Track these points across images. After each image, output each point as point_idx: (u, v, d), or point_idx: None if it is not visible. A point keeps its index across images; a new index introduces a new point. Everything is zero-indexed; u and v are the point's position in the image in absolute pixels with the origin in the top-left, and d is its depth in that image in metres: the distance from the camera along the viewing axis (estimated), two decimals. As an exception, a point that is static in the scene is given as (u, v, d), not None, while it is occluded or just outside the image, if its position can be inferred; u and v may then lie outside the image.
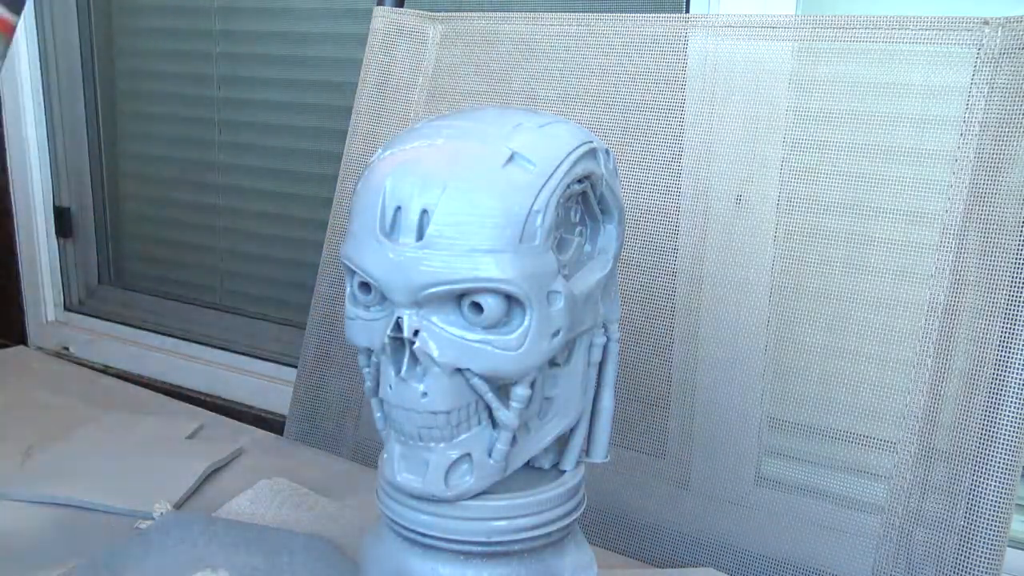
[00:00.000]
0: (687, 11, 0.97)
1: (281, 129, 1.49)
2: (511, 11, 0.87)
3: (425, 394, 0.44)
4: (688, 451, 0.75)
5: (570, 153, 0.45)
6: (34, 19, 1.62)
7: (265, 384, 1.48)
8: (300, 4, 1.43)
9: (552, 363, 0.48)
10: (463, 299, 0.44)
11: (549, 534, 0.48)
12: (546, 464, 0.51)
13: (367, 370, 0.49)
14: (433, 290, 0.43)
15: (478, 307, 0.44)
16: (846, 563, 0.68)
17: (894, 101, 0.68)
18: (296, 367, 0.95)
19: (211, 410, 0.84)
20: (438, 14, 0.90)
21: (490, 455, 0.46)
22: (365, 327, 0.46)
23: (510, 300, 0.44)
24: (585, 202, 0.48)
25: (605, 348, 0.51)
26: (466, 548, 0.47)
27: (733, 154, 0.74)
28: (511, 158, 0.44)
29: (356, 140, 0.92)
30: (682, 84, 0.76)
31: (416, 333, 0.44)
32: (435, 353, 0.44)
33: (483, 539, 0.47)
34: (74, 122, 1.68)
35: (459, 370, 0.44)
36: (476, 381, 0.45)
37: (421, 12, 0.91)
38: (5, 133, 1.64)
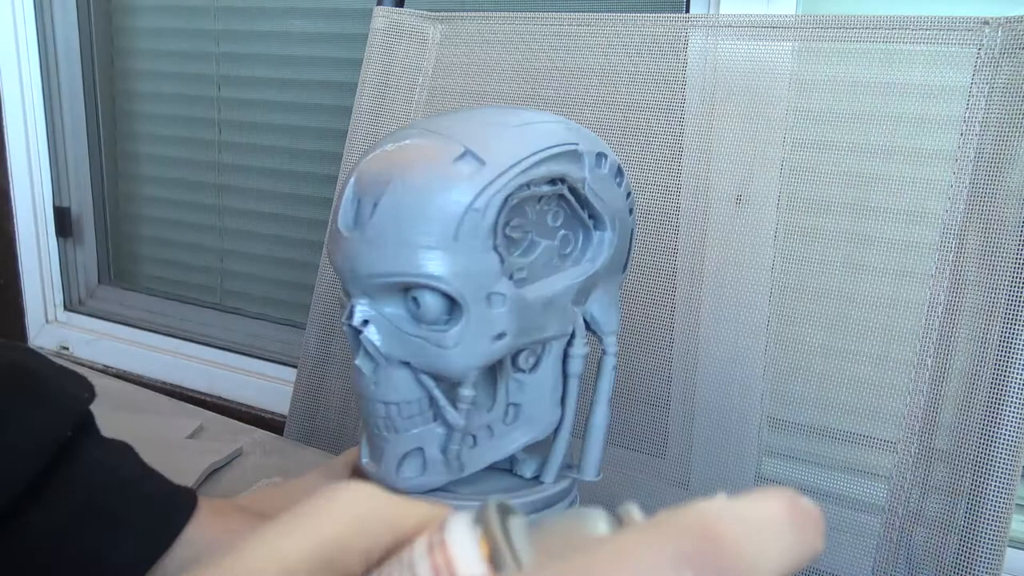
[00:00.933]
0: (687, 11, 0.97)
1: (281, 129, 1.49)
2: (511, 11, 0.87)
3: (376, 384, 0.45)
4: (688, 451, 0.75)
5: (535, 153, 0.44)
6: (34, 19, 1.62)
7: (265, 384, 1.48)
8: (300, 4, 1.43)
9: (517, 369, 0.47)
10: (408, 293, 0.44)
11: None
12: (527, 473, 0.50)
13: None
14: (373, 281, 0.44)
15: (417, 302, 0.44)
16: (846, 563, 0.68)
17: (894, 101, 0.68)
18: (296, 367, 0.95)
19: (211, 410, 0.84)
20: (438, 14, 0.90)
21: (443, 452, 0.47)
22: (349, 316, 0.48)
23: (447, 297, 0.44)
24: (569, 206, 0.47)
25: (601, 362, 0.50)
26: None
27: (733, 154, 0.74)
28: (462, 155, 0.43)
29: (356, 140, 0.92)
30: (682, 84, 0.76)
31: (366, 323, 0.45)
32: (378, 343, 0.45)
33: None
34: (74, 122, 1.68)
35: (406, 364, 0.45)
36: (424, 377, 0.45)
37: (421, 12, 0.91)
38: (5, 133, 1.64)
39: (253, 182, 1.54)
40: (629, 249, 0.51)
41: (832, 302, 0.70)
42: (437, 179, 0.43)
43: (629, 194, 0.49)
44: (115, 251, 1.76)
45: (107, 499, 0.44)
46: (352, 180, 0.45)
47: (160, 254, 1.70)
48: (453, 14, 0.89)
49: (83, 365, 1.55)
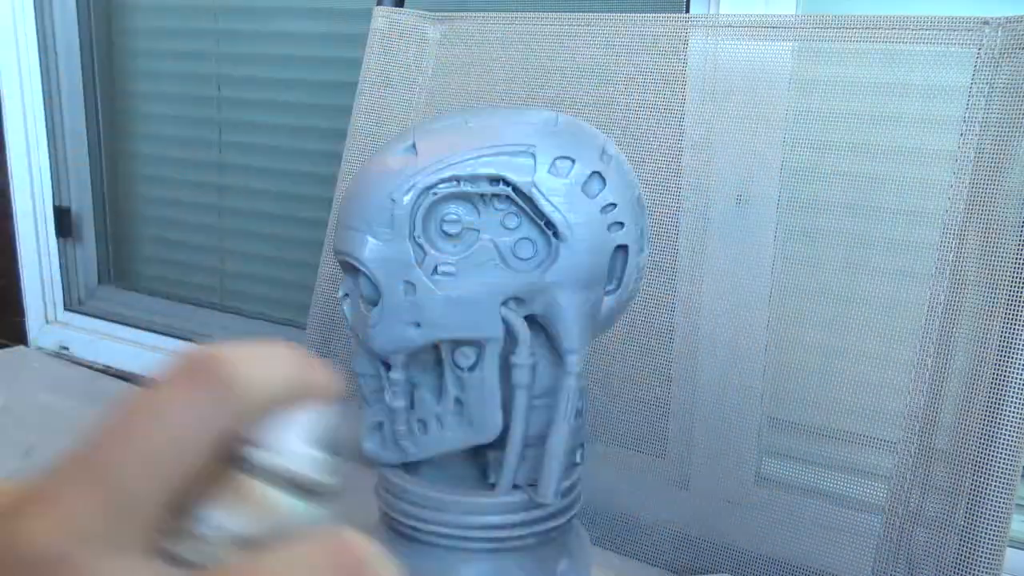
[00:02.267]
0: (687, 11, 0.97)
1: (281, 129, 1.49)
2: (511, 11, 0.86)
3: (351, 353, 0.49)
4: (688, 451, 0.75)
5: (475, 150, 0.44)
6: (34, 19, 1.62)
7: (265, 384, 1.48)
8: (300, 4, 1.43)
9: (455, 364, 0.47)
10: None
11: (543, 532, 0.48)
12: (492, 478, 0.50)
13: None
14: (335, 257, 0.48)
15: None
16: (846, 563, 0.68)
17: (894, 101, 0.68)
18: (296, 367, 0.95)
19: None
20: (438, 14, 0.90)
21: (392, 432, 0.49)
22: None
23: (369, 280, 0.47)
24: (523, 210, 0.46)
25: (564, 383, 0.46)
26: (461, 544, 0.47)
27: (733, 154, 0.74)
28: (408, 147, 0.46)
29: (356, 140, 0.92)
30: (682, 84, 0.76)
31: (346, 296, 0.48)
32: (348, 316, 0.49)
33: (476, 535, 0.47)
34: (74, 122, 1.68)
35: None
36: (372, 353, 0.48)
37: (421, 12, 0.91)
38: (5, 133, 1.64)
39: (253, 182, 1.54)
40: (620, 270, 0.48)
41: (832, 302, 0.70)
42: (377, 167, 0.46)
43: (607, 207, 0.46)
44: (115, 251, 1.76)
45: None
46: None
47: (160, 254, 1.70)
48: (453, 14, 0.89)
49: (83, 365, 1.55)
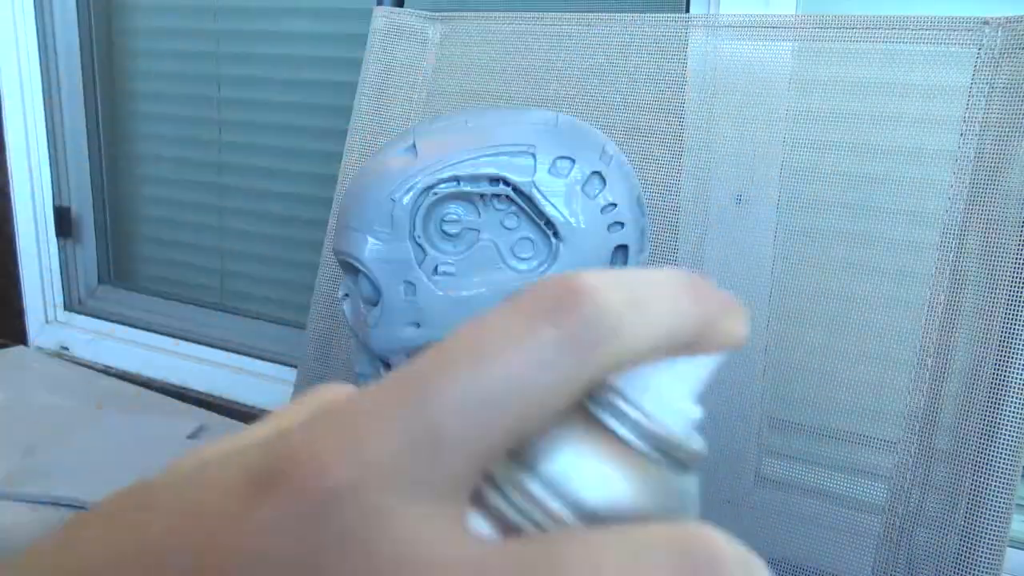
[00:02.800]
0: (687, 11, 0.97)
1: (281, 129, 1.49)
2: (511, 11, 0.86)
3: (350, 352, 0.49)
4: (688, 451, 0.75)
5: (476, 150, 0.44)
6: (34, 19, 1.62)
7: (265, 384, 1.48)
8: (300, 4, 1.43)
9: None
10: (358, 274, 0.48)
11: None
12: None
13: None
14: (335, 257, 0.48)
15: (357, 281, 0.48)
16: (846, 563, 0.68)
17: (894, 101, 0.68)
18: (296, 367, 0.95)
19: (211, 410, 0.84)
20: (438, 14, 0.90)
21: None
22: None
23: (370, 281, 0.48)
24: (523, 210, 0.46)
25: None
26: None
27: (733, 154, 0.74)
28: (408, 147, 0.46)
29: (356, 140, 0.92)
30: (682, 84, 0.76)
31: (346, 297, 0.48)
32: (348, 316, 0.49)
33: None
34: (74, 122, 1.68)
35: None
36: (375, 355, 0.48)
37: (421, 12, 0.91)
38: (5, 133, 1.64)
39: (253, 182, 1.54)
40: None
41: (832, 302, 0.70)
42: (377, 168, 0.46)
43: (607, 207, 0.46)
44: (115, 251, 1.76)
45: None
46: None
47: (160, 254, 1.70)
48: (453, 14, 0.89)
49: (83, 365, 1.55)
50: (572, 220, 0.45)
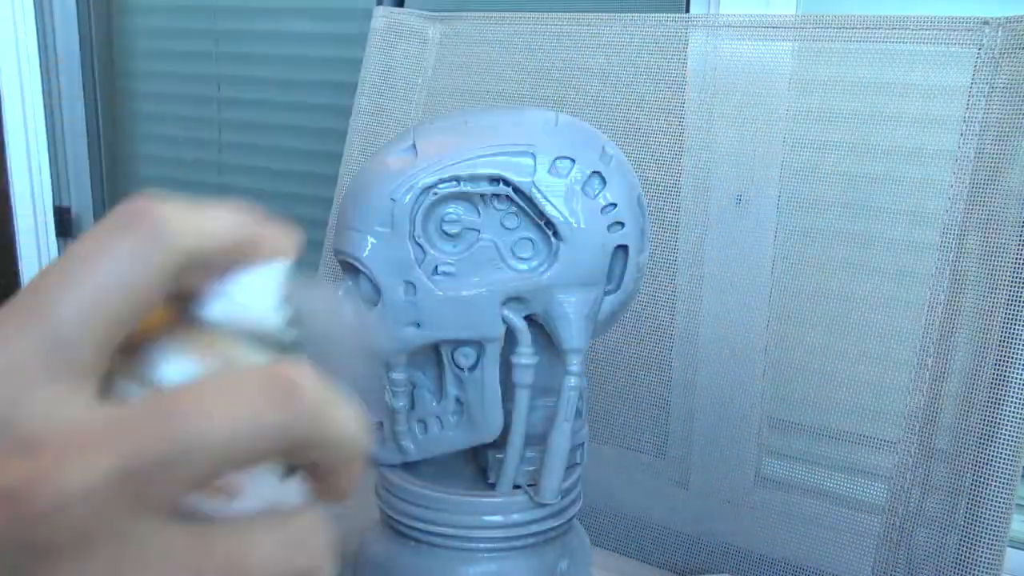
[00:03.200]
0: (687, 11, 0.97)
1: (281, 129, 1.49)
2: (511, 11, 0.86)
3: None
4: (688, 451, 0.75)
5: (475, 150, 0.44)
6: (34, 19, 1.62)
7: (265, 384, 1.48)
8: (300, 4, 1.43)
9: (455, 364, 0.48)
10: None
11: (544, 532, 0.48)
12: (492, 478, 0.50)
13: None
14: (335, 257, 0.47)
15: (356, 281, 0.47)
16: (846, 563, 0.68)
17: (894, 101, 0.68)
18: (296, 367, 0.95)
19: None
20: (438, 14, 0.90)
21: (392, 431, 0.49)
22: None
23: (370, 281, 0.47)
24: (523, 210, 0.46)
25: (564, 383, 0.47)
26: (461, 544, 0.47)
27: (733, 154, 0.74)
28: (408, 147, 0.45)
29: (356, 140, 0.92)
30: (682, 84, 0.76)
31: None
32: None
33: (477, 535, 0.47)
34: (74, 122, 1.68)
35: None
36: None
37: (421, 12, 0.91)
38: (5, 133, 1.64)
39: (253, 182, 1.54)
40: (620, 270, 0.48)
41: (832, 302, 0.70)
42: (377, 167, 0.46)
43: (607, 207, 0.46)
44: (115, 251, 1.76)
45: None
46: None
47: (160, 254, 1.70)
48: (453, 14, 0.89)
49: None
50: (572, 220, 0.45)
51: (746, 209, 0.73)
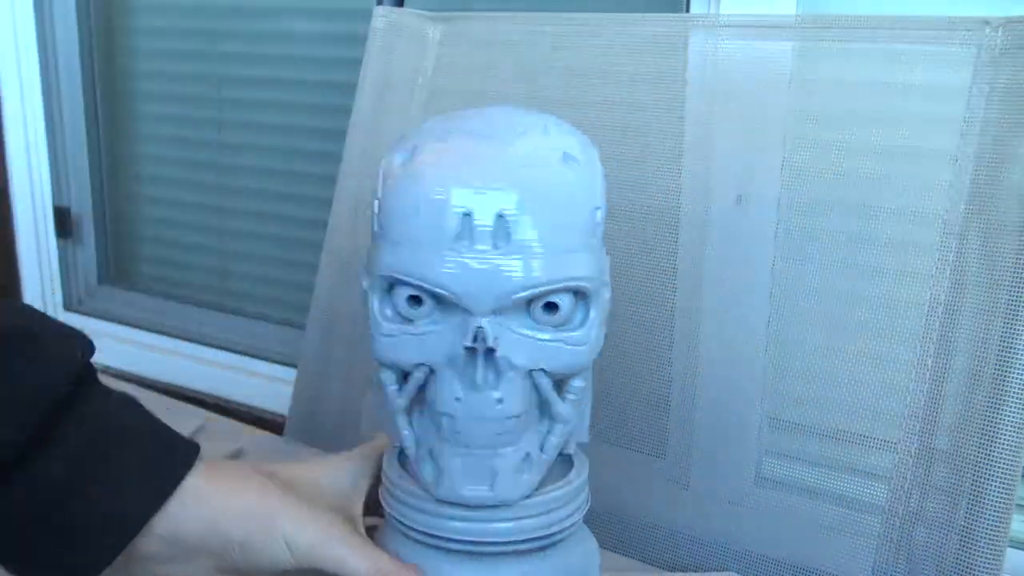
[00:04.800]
0: (687, 11, 0.97)
1: (281, 129, 1.49)
2: (511, 11, 0.86)
3: (501, 400, 0.44)
4: (688, 451, 0.75)
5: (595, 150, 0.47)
6: (34, 19, 1.62)
7: (265, 384, 1.48)
8: (300, 4, 1.43)
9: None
10: (533, 301, 0.43)
11: (558, 532, 0.48)
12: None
13: (394, 387, 0.46)
14: (521, 295, 0.42)
15: (551, 307, 0.43)
16: (846, 563, 0.68)
17: (895, 101, 0.68)
18: (296, 367, 0.95)
19: (211, 410, 0.84)
20: (438, 14, 0.90)
21: (542, 450, 0.47)
22: (415, 342, 0.44)
23: (576, 295, 0.44)
24: None
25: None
26: (466, 548, 0.47)
27: (733, 154, 0.74)
28: (564, 157, 0.44)
29: (356, 140, 0.92)
30: (682, 84, 0.76)
31: (495, 341, 0.43)
32: (512, 358, 0.43)
33: (481, 538, 0.46)
34: (74, 122, 1.68)
35: (528, 373, 0.44)
36: (543, 380, 0.45)
37: (421, 12, 0.91)
38: (5, 133, 1.64)
39: (253, 182, 1.54)
40: None
41: (832, 302, 0.70)
42: (563, 183, 0.43)
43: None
44: (115, 251, 1.76)
45: (107, 450, 0.44)
46: (448, 192, 0.42)
47: (160, 254, 1.70)
48: (453, 14, 0.89)
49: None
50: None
51: (746, 209, 0.73)
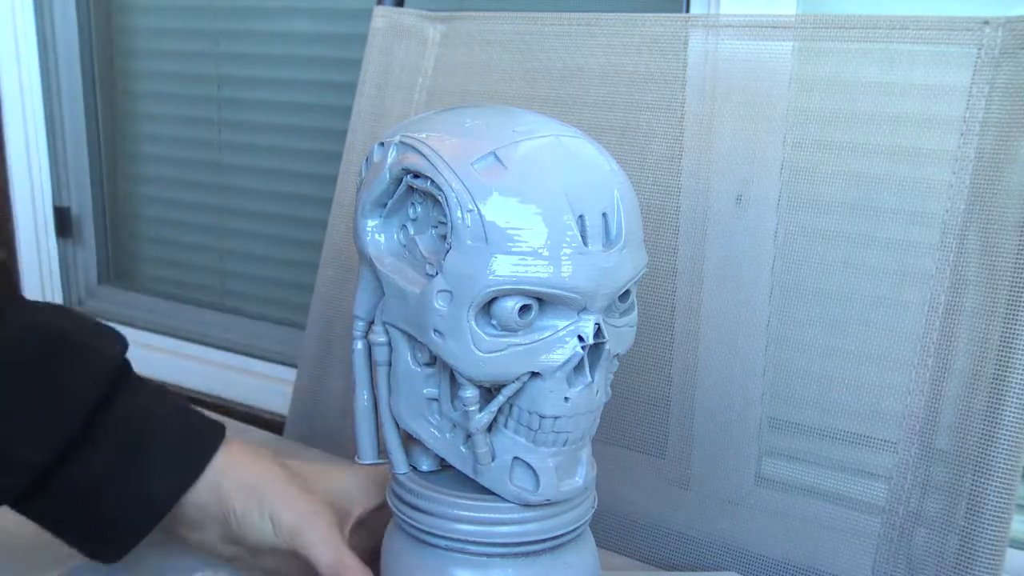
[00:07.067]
0: (687, 11, 0.97)
1: (281, 129, 1.49)
2: (511, 11, 0.86)
3: (598, 391, 0.46)
4: (688, 451, 0.75)
5: None
6: (34, 19, 1.62)
7: (265, 384, 1.48)
8: (300, 4, 1.43)
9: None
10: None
11: (567, 534, 0.48)
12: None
13: (475, 407, 0.44)
14: (620, 290, 0.45)
15: (625, 295, 0.46)
16: (846, 563, 0.68)
17: (894, 101, 0.68)
18: (296, 367, 0.95)
19: (211, 410, 0.84)
20: (438, 14, 0.90)
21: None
22: (523, 352, 0.43)
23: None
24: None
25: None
26: (471, 548, 0.47)
27: (733, 154, 0.74)
28: (602, 153, 0.46)
29: (356, 140, 0.92)
30: (682, 84, 0.76)
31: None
32: (614, 348, 0.46)
33: (486, 540, 0.46)
34: (74, 122, 1.68)
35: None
36: (615, 364, 0.48)
37: (421, 12, 0.91)
38: (5, 133, 1.64)
39: (253, 182, 1.54)
40: None
41: (832, 302, 0.70)
42: (625, 178, 0.46)
43: None
44: (115, 251, 1.76)
45: (142, 439, 0.50)
46: (565, 196, 0.42)
47: (160, 254, 1.70)
48: (453, 14, 0.90)
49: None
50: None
51: (746, 209, 0.73)
